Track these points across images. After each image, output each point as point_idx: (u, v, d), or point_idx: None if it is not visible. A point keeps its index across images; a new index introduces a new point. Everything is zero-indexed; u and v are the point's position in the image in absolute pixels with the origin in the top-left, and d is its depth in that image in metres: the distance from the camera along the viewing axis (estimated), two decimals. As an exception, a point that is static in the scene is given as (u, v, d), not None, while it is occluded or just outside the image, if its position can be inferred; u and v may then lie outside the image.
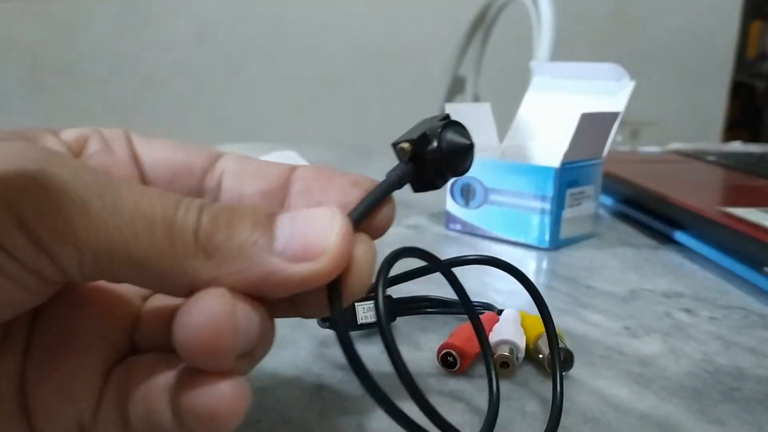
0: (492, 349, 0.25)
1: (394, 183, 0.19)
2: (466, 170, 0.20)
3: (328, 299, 0.17)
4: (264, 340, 0.16)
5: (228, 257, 0.15)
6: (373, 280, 0.18)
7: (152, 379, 0.17)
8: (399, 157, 0.20)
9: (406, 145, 0.19)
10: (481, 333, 0.24)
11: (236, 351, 0.15)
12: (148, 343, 0.18)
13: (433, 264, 0.22)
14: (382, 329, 0.18)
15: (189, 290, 0.15)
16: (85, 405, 0.17)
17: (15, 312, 0.15)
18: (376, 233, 0.19)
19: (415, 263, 0.24)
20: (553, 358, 0.23)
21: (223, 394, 0.15)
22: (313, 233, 0.16)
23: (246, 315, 0.15)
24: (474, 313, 0.24)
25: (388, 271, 0.20)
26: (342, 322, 0.17)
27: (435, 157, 0.19)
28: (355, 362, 0.17)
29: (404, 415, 0.17)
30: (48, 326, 0.18)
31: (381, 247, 0.20)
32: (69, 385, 0.17)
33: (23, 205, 0.14)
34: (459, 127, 0.20)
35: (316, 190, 0.20)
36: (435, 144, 0.19)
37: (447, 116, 0.20)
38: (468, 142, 0.20)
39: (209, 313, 0.14)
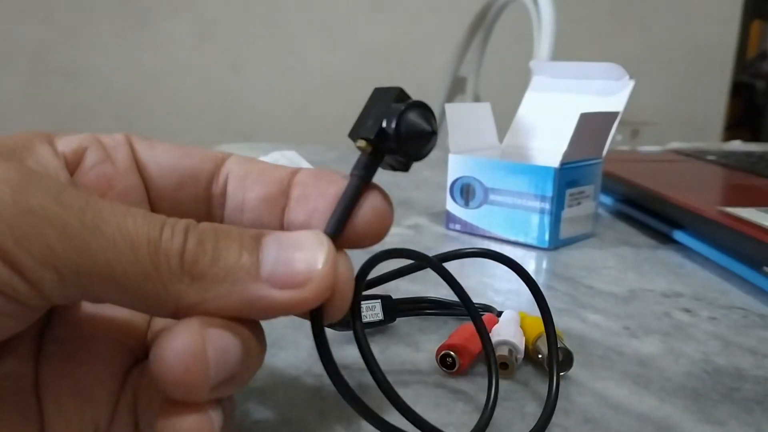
0: (494, 350, 0.25)
1: (358, 186, 0.18)
2: (427, 154, 0.18)
3: (310, 322, 0.17)
4: (248, 365, 0.16)
5: (214, 281, 0.15)
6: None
7: (154, 389, 0.17)
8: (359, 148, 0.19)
9: (363, 144, 0.18)
10: (480, 326, 0.23)
11: (208, 385, 0.15)
12: None
13: (424, 262, 0.22)
14: (355, 330, 0.19)
15: (174, 312, 0.15)
16: (103, 408, 0.17)
17: None
18: (368, 240, 0.18)
19: (407, 262, 0.24)
20: (549, 345, 0.23)
21: (186, 427, 0.15)
22: (298, 259, 0.16)
23: (222, 348, 0.15)
24: (472, 307, 0.23)
25: (364, 279, 0.19)
26: (324, 342, 0.17)
27: (394, 149, 0.18)
28: (335, 377, 0.17)
29: (381, 418, 0.17)
30: (66, 333, 0.18)
31: (380, 247, 0.20)
32: (88, 389, 0.17)
33: None
34: (417, 110, 0.18)
35: (313, 196, 0.19)
36: (393, 135, 0.18)
37: (401, 93, 0.18)
38: (428, 129, 0.18)
39: (179, 352, 0.14)
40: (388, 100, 0.18)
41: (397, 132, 0.17)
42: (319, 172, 0.20)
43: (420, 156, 0.18)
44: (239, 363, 0.15)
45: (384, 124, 0.18)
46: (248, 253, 0.16)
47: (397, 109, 0.18)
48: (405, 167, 0.19)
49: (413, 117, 0.18)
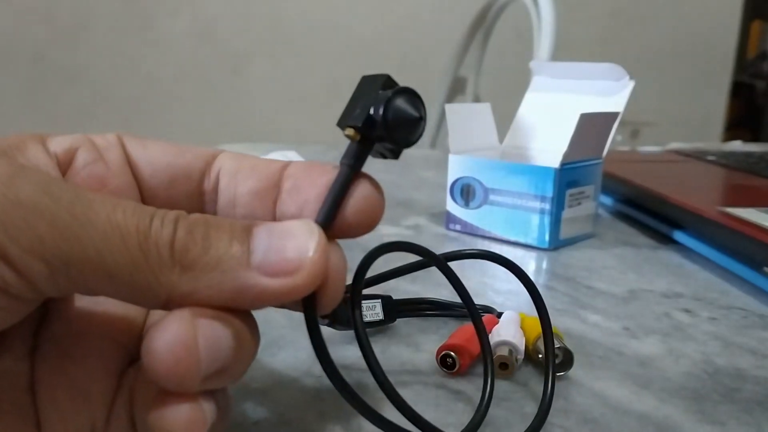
0: (491, 350, 0.25)
1: (348, 175, 0.18)
2: (416, 141, 0.18)
3: (303, 312, 0.17)
4: (240, 357, 0.16)
5: (204, 271, 0.15)
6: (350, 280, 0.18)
7: (149, 386, 0.17)
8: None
9: (351, 132, 0.18)
10: (479, 325, 0.23)
11: (199, 376, 0.15)
12: None
13: (429, 259, 0.22)
14: (356, 327, 0.18)
15: (165, 303, 0.15)
16: (99, 407, 0.17)
17: None
18: (360, 229, 0.18)
19: (409, 258, 0.24)
20: (546, 342, 0.23)
21: (178, 418, 0.15)
22: (290, 247, 0.16)
23: (213, 339, 0.15)
24: (473, 306, 0.23)
25: (365, 272, 0.19)
26: (317, 333, 0.17)
27: (383, 136, 0.18)
28: (330, 371, 0.17)
29: (380, 415, 0.17)
30: (61, 331, 0.18)
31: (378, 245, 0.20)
32: (84, 388, 0.17)
33: None
34: (404, 97, 0.18)
35: (304, 187, 0.19)
36: (381, 122, 0.17)
37: (388, 81, 0.18)
38: (416, 115, 0.18)
39: (170, 342, 0.14)
40: (376, 88, 0.18)
41: (384, 119, 0.17)
42: (309, 163, 0.20)
43: (409, 143, 0.18)
44: (231, 354, 0.15)
45: (371, 112, 0.18)
46: (239, 242, 0.16)
47: (384, 96, 0.18)
48: (395, 155, 0.19)
49: (400, 103, 0.18)
